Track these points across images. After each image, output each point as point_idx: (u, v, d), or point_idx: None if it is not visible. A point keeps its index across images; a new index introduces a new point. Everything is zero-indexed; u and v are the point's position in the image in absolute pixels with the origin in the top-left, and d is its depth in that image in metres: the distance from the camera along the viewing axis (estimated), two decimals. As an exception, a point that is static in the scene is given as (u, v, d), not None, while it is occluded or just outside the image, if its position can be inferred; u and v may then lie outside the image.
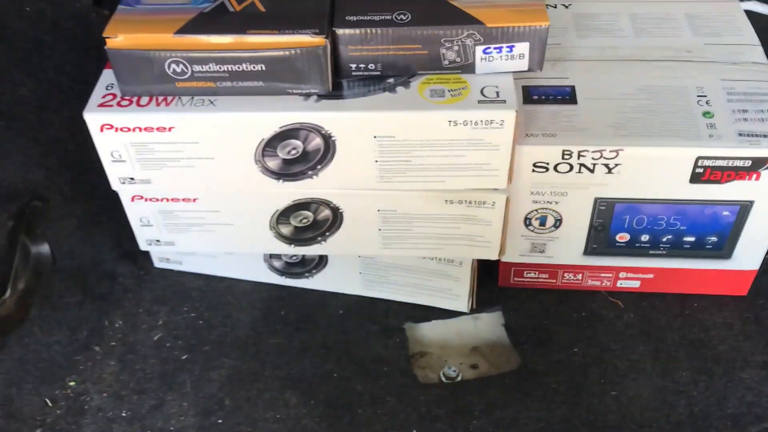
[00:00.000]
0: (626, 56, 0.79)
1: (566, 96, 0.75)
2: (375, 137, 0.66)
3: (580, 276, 0.83)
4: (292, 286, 0.87)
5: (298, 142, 0.67)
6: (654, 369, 0.77)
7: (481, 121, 0.65)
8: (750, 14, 0.86)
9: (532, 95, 0.74)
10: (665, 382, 0.76)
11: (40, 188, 0.72)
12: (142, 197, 0.73)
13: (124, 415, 0.75)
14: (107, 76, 0.69)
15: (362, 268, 0.83)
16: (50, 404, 0.75)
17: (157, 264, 0.89)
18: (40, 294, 0.71)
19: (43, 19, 0.82)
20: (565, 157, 0.71)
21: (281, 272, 0.86)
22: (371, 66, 0.67)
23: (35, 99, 0.75)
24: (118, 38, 0.63)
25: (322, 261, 0.83)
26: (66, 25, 0.84)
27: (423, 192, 0.71)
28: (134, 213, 0.75)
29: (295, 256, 0.83)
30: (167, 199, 0.74)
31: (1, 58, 0.75)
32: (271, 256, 0.84)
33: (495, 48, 0.66)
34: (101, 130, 0.66)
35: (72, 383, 0.77)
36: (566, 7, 0.85)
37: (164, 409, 0.76)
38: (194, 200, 0.74)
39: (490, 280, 0.86)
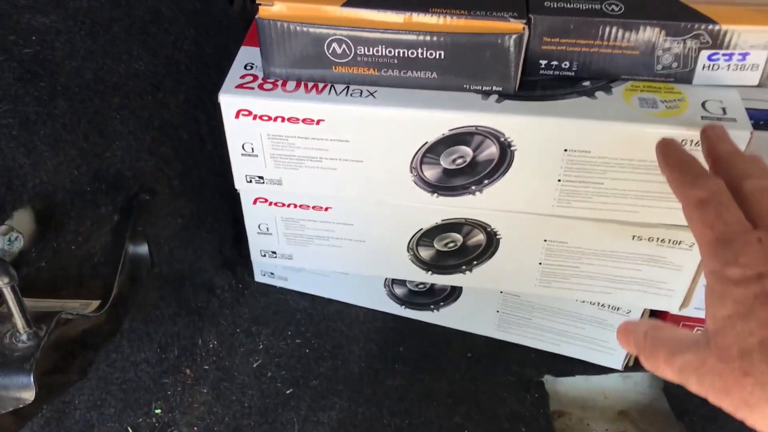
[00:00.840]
0: None
1: (783, 122, 0.62)
2: (565, 150, 0.54)
3: (762, 339, 0.69)
4: (412, 319, 0.75)
5: (467, 150, 0.55)
6: None
7: (705, 141, 0.52)
8: None
9: (758, 121, 0.61)
10: None
11: (148, 179, 0.61)
12: (266, 200, 0.62)
13: (217, 455, 0.63)
14: (245, 53, 0.58)
15: (501, 306, 0.70)
16: (132, 434, 0.64)
17: (258, 278, 0.77)
18: (134, 302, 0.60)
19: (162, -12, 0.72)
20: (786, 195, 0.57)
21: (402, 301, 0.74)
22: (565, 64, 0.55)
23: (150, 76, 0.64)
24: (274, 7, 0.52)
25: (453, 293, 0.71)
26: (186, -1, 0.74)
27: (607, 223, 0.58)
28: (253, 218, 0.64)
29: (422, 284, 0.71)
30: (295, 205, 0.62)
31: (119, 26, 0.64)
32: (393, 281, 0.72)
33: (724, 55, 0.53)
34: (236, 116, 0.55)
35: (158, 411, 0.66)
36: None
37: (265, 453, 0.64)
38: (326, 209, 0.62)
39: (647, 334, 0.72)
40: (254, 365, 0.70)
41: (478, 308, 0.71)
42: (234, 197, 0.65)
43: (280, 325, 0.74)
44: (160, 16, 0.70)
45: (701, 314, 0.68)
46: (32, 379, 0.42)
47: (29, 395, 0.42)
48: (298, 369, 0.70)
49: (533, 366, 0.72)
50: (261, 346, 0.72)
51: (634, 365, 0.71)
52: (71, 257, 0.54)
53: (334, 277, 0.74)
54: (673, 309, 0.63)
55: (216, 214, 0.73)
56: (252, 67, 0.57)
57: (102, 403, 0.62)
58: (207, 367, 0.69)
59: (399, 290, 0.73)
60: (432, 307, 0.73)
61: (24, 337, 0.43)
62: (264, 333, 0.73)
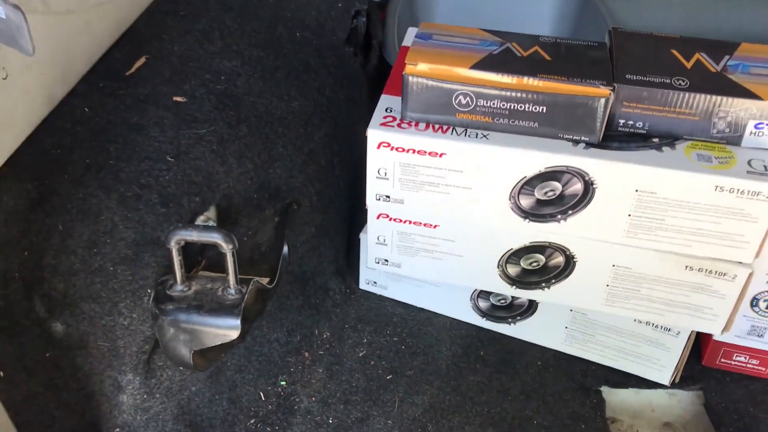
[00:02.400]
0: None
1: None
2: (636, 191, 0.68)
3: (793, 369, 0.81)
4: (491, 330, 0.89)
5: (557, 185, 0.70)
6: None
7: (748, 191, 0.66)
8: None
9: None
10: None
11: (297, 193, 0.77)
12: (387, 216, 0.78)
13: (331, 422, 0.77)
14: (386, 100, 0.74)
15: (570, 323, 0.84)
16: (263, 398, 0.78)
17: (363, 286, 0.92)
18: (275, 292, 0.75)
19: (309, 45, 0.90)
20: (816, 242, 0.71)
21: (484, 314, 0.88)
22: (639, 124, 0.70)
23: (303, 113, 0.81)
24: (418, 66, 0.68)
25: (529, 309, 0.85)
26: (326, 54, 0.91)
27: (665, 254, 0.72)
28: (374, 230, 0.79)
29: (503, 299, 0.85)
30: (410, 222, 0.77)
31: (281, 73, 0.82)
32: (479, 295, 0.86)
33: (768, 124, 0.68)
34: (378, 147, 0.71)
35: (283, 382, 0.80)
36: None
37: (370, 423, 0.78)
38: (435, 227, 0.77)
39: (692, 357, 0.85)
40: (360, 354, 0.85)
41: (549, 324, 0.85)
42: (349, 216, 0.80)
43: (381, 324, 0.88)
44: (309, 67, 0.87)
45: (740, 341, 0.81)
46: (239, 321, 0.57)
47: (235, 333, 0.57)
48: (396, 361, 0.84)
49: (594, 377, 0.85)
50: (365, 340, 0.86)
51: (679, 383, 0.84)
52: (244, 245, 0.70)
53: (427, 289, 0.89)
54: (716, 332, 0.76)
55: (336, 229, 0.89)
56: (391, 111, 0.73)
57: (244, 369, 0.77)
58: (322, 352, 0.84)
59: (483, 303, 0.87)
60: (510, 320, 0.87)
61: (233, 291, 0.59)
62: (367, 330, 0.87)
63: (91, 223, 0.59)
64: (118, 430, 0.62)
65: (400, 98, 0.71)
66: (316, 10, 0.98)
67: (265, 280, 0.66)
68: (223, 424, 0.73)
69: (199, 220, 0.65)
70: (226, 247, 0.56)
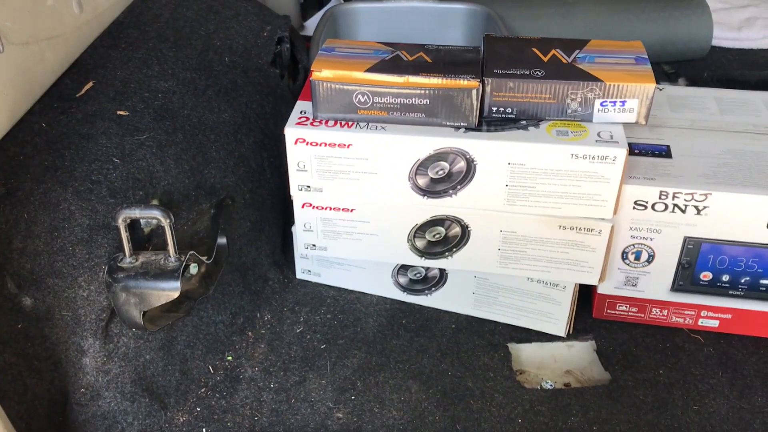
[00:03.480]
0: (713, 127, 0.95)
1: (662, 152, 0.91)
2: (509, 164, 0.83)
3: (666, 312, 0.96)
4: (411, 303, 1.02)
5: (445, 164, 0.84)
6: (731, 392, 0.88)
7: (598, 156, 0.81)
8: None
9: (633, 149, 0.90)
10: (741, 403, 0.87)
11: (231, 190, 0.90)
12: (311, 205, 0.91)
13: (272, 386, 0.89)
14: (300, 105, 0.88)
15: (475, 288, 0.97)
16: (212, 371, 0.90)
17: (299, 275, 1.05)
18: (217, 278, 0.87)
19: (237, 67, 1.04)
20: (662, 197, 0.86)
21: (404, 288, 1.01)
22: (508, 110, 0.85)
23: (232, 123, 0.94)
24: (322, 72, 0.82)
25: (441, 280, 0.98)
26: (252, 74, 1.05)
27: (541, 217, 0.86)
28: (301, 218, 0.92)
29: (418, 273, 0.98)
30: (330, 208, 0.91)
31: (211, 90, 0.95)
32: (398, 272, 0.99)
33: (610, 101, 0.83)
34: (295, 143, 0.85)
35: (229, 357, 0.92)
36: (660, 90, 1.03)
37: (306, 384, 0.89)
38: (351, 210, 0.91)
39: (585, 312, 0.99)
40: (297, 331, 0.97)
41: (459, 291, 0.98)
42: (283, 215, 0.93)
43: (316, 305, 1.01)
44: (237, 85, 1.01)
45: (619, 292, 0.95)
46: (179, 283, 0.69)
47: (175, 293, 0.69)
48: (329, 333, 0.96)
49: (500, 335, 0.98)
50: (302, 319, 0.98)
51: (574, 335, 0.97)
52: (184, 233, 0.82)
53: (354, 272, 1.01)
54: (594, 282, 0.90)
55: (271, 225, 1.02)
56: (305, 113, 0.87)
57: (193, 345, 0.88)
58: (264, 331, 0.96)
59: (402, 279, 1.00)
60: (426, 292, 1.00)
61: (173, 260, 0.71)
62: (304, 311, 1.00)
63: (52, 212, 0.71)
64: (83, 390, 0.73)
65: (311, 102, 0.85)
66: (243, 38, 1.12)
67: (203, 258, 0.78)
68: (177, 392, 0.85)
69: (144, 211, 0.77)
70: (165, 222, 0.68)
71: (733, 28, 1.69)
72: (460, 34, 1.51)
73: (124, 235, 0.69)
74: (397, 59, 0.86)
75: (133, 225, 0.77)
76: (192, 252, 0.73)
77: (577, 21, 1.55)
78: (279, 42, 1.17)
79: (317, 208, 0.91)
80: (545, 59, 0.86)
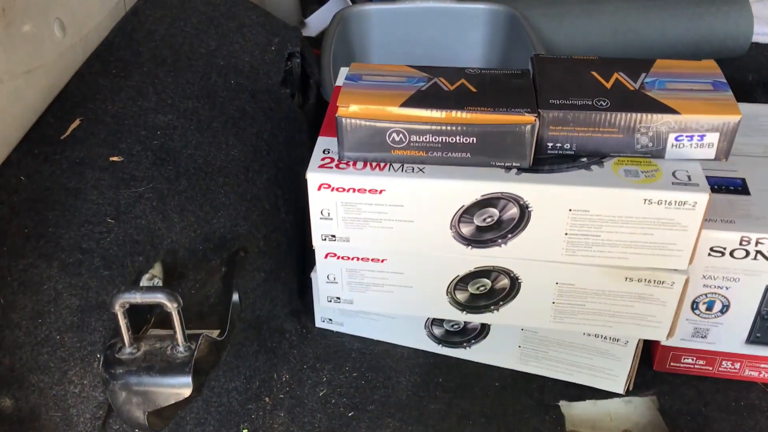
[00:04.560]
0: (791, 155, 0.83)
1: (738, 187, 0.79)
2: (570, 210, 0.71)
3: (738, 365, 0.84)
4: (448, 356, 0.90)
5: (494, 211, 0.72)
6: (823, 463, 0.77)
7: (675, 201, 0.69)
8: None
9: (713, 185, 0.78)
10: (836, 477, 0.76)
11: (243, 240, 0.78)
12: (335, 255, 0.79)
13: (295, 464, 0.78)
14: (322, 142, 0.76)
15: (522, 341, 0.86)
16: (226, 448, 0.78)
17: (319, 324, 0.93)
18: (229, 341, 0.76)
19: (244, 91, 0.91)
20: (743, 243, 0.74)
21: (440, 340, 0.89)
22: (567, 146, 0.73)
23: (242, 160, 0.82)
24: (350, 108, 0.70)
25: (482, 332, 0.87)
26: (262, 98, 0.93)
27: (605, 268, 0.75)
28: (324, 269, 0.80)
29: (456, 324, 0.87)
30: (358, 258, 0.79)
31: (217, 122, 0.83)
32: (432, 323, 0.88)
33: (687, 136, 0.71)
34: (318, 189, 0.73)
35: (245, 431, 0.80)
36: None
37: (335, 461, 0.78)
38: (382, 261, 0.79)
39: (644, 365, 0.87)
40: (320, 394, 0.85)
41: (503, 344, 0.87)
42: (300, 256, 0.81)
43: (339, 361, 0.89)
44: (245, 113, 0.88)
45: (686, 344, 0.84)
46: (190, 378, 0.57)
47: (187, 391, 0.58)
48: (357, 396, 0.85)
49: (551, 392, 0.86)
50: (324, 379, 0.87)
51: (633, 390, 0.86)
52: (193, 299, 0.70)
53: (382, 322, 0.90)
54: (662, 338, 0.79)
55: (287, 270, 0.90)
56: (329, 152, 0.74)
57: (204, 422, 0.77)
58: (282, 396, 0.84)
59: (437, 330, 0.88)
60: (464, 344, 0.88)
61: (182, 349, 0.59)
62: (326, 368, 0.88)
63: (34, 294, 0.59)
64: (78, 499, 0.61)
65: (336, 139, 0.73)
66: (250, 55, 0.99)
67: (215, 333, 0.66)
68: (188, 479, 0.73)
69: (144, 279, 0.65)
70: (171, 306, 0.56)
71: (772, 23, 1.57)
72: (480, 36, 1.38)
73: (123, 323, 0.57)
74: (436, 89, 0.73)
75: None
76: (203, 334, 0.61)
77: (606, 19, 1.43)
78: (289, 57, 1.04)
79: (343, 258, 0.79)
80: (608, 85, 0.74)
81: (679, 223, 0.70)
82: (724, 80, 0.74)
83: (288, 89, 1.02)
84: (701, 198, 0.69)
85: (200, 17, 1.01)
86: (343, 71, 0.87)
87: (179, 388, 0.58)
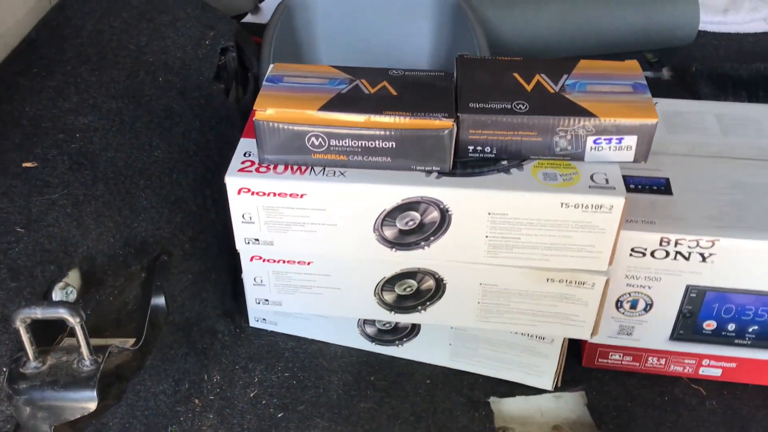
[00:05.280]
0: (716, 153, 0.84)
1: (661, 187, 0.80)
2: (489, 214, 0.71)
3: (663, 361, 0.86)
4: (381, 354, 0.90)
5: (416, 214, 0.72)
6: (740, 456, 0.79)
7: (592, 205, 0.69)
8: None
9: (629, 184, 0.79)
10: (752, 470, 0.78)
11: (166, 244, 0.77)
12: (261, 258, 0.78)
13: (222, 467, 0.78)
14: (244, 144, 0.75)
15: (452, 339, 0.86)
16: (153, 452, 0.78)
17: (253, 324, 0.93)
18: (154, 344, 0.75)
19: (172, 89, 0.90)
20: (663, 244, 0.75)
21: (372, 339, 0.89)
22: (487, 149, 0.73)
23: (167, 161, 0.81)
24: (267, 111, 0.69)
25: (413, 330, 0.87)
26: (191, 95, 0.91)
27: (526, 269, 0.75)
28: (250, 272, 0.80)
29: (387, 323, 0.87)
30: (284, 261, 0.78)
31: (141, 122, 0.81)
32: (365, 322, 0.88)
33: (605, 139, 0.71)
34: (238, 193, 0.72)
35: (172, 432, 0.80)
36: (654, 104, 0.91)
37: (262, 463, 0.78)
38: (309, 263, 0.78)
39: (574, 360, 0.88)
40: (251, 395, 0.85)
41: (434, 342, 0.87)
42: (232, 256, 0.80)
43: (272, 361, 0.89)
44: (172, 112, 0.87)
45: (613, 341, 0.85)
46: (95, 392, 0.57)
47: (92, 405, 0.57)
48: (287, 397, 0.85)
49: (481, 389, 0.87)
50: (256, 379, 0.87)
51: (562, 386, 0.87)
52: (110, 306, 0.69)
53: (315, 321, 0.90)
54: (585, 337, 0.80)
55: (218, 271, 0.89)
56: (249, 155, 0.74)
57: (129, 427, 0.76)
58: (212, 397, 0.84)
59: (369, 329, 0.88)
60: (397, 342, 0.89)
61: (87, 362, 0.58)
62: (258, 368, 0.88)
63: (-66, 308, 0.58)
64: None
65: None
66: (182, 51, 0.98)
67: (130, 342, 0.66)
68: (111, 485, 0.73)
69: (57, 289, 0.64)
70: (73, 321, 0.56)
71: (719, 11, 1.59)
72: (427, 27, 1.38)
73: (26, 337, 0.57)
74: (357, 92, 0.73)
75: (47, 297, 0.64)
76: (112, 347, 0.61)
77: (554, 9, 1.43)
78: (223, 52, 1.02)
79: (269, 261, 0.79)
80: (528, 88, 0.74)
81: (596, 226, 0.71)
82: (644, 82, 0.74)
83: (222, 84, 1.01)
84: (617, 201, 0.69)
85: (131, 12, 0.99)
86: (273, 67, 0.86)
87: (84, 402, 0.57)
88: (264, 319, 0.92)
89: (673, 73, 1.45)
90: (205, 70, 0.97)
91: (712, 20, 1.57)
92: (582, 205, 0.70)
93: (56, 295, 0.65)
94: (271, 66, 0.78)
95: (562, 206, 0.70)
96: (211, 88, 0.96)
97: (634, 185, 0.80)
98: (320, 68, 0.77)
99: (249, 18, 1.70)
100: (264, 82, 0.74)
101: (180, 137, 0.85)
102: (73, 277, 0.68)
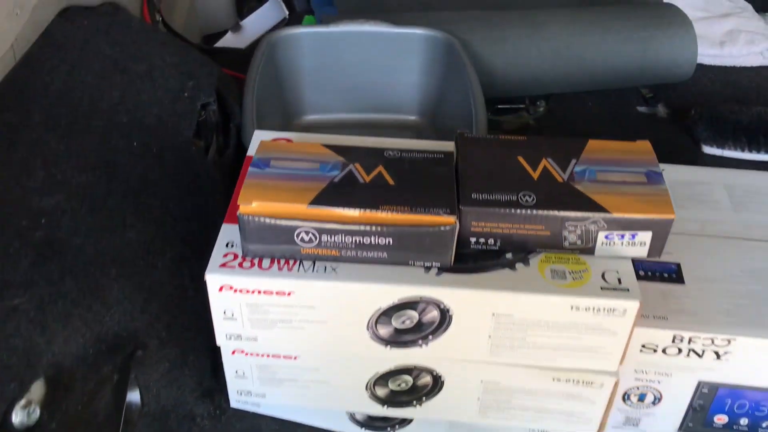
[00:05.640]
0: (728, 233, 0.80)
1: (672, 274, 0.75)
2: (493, 314, 0.66)
3: (670, 451, 0.81)
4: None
5: (414, 313, 0.67)
6: None
7: (604, 308, 0.64)
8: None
9: (638, 270, 0.74)
10: None
11: (141, 335, 0.71)
12: (243, 351, 0.72)
13: None
14: (226, 232, 0.69)
15: (449, 428, 0.81)
16: None
17: (234, 404, 0.87)
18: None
19: (148, 153, 0.83)
20: (676, 341, 0.70)
21: (362, 425, 0.84)
22: (491, 241, 0.67)
23: (142, 242, 0.75)
24: (252, 205, 0.63)
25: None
26: (168, 160, 0.85)
27: (531, 368, 0.70)
28: (231, 365, 0.74)
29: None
30: (268, 355, 0.73)
31: (114, 198, 0.75)
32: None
33: (617, 234, 0.66)
34: (220, 290, 0.66)
35: None
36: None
37: None
38: (295, 358, 0.73)
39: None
40: (230, 493, 0.79)
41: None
42: (211, 333, 0.74)
43: (254, 449, 0.83)
44: (148, 183, 0.81)
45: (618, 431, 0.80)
46: None
47: None
48: (270, 491, 0.79)
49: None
50: (238, 470, 0.81)
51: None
52: (78, 418, 0.63)
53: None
54: (591, 433, 0.75)
55: (197, 352, 0.83)
56: (232, 246, 0.68)
57: None
58: (191, 492, 0.78)
59: (359, 415, 0.82)
60: (389, 429, 0.83)
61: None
62: (240, 457, 0.82)
63: None
64: None
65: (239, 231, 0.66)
66: (158, 106, 0.91)
67: (100, 464, 0.60)
68: None
69: (18, 408, 0.58)
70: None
71: (715, 44, 1.55)
72: (417, 63, 1.32)
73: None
74: (351, 180, 0.67)
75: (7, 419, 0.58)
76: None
77: (548, 44, 1.37)
78: (203, 107, 0.96)
79: (251, 354, 0.73)
80: (535, 175, 0.68)
81: (608, 329, 0.66)
82: (659, 170, 0.69)
83: (202, 141, 0.94)
84: (631, 305, 0.64)
85: (104, 62, 0.92)
86: (258, 136, 0.80)
87: None
88: (249, 392, 0.85)
89: (669, 110, 1.41)
90: (183, 128, 0.90)
91: (708, 53, 1.53)
92: (593, 308, 0.65)
93: (17, 416, 0.58)
94: (257, 140, 0.72)
95: (571, 308, 0.65)
96: (189, 149, 0.90)
97: (644, 272, 0.75)
98: (311, 147, 0.71)
99: (229, 37, 1.64)
100: (249, 169, 0.67)
101: (156, 210, 0.79)
102: (37, 389, 0.61)
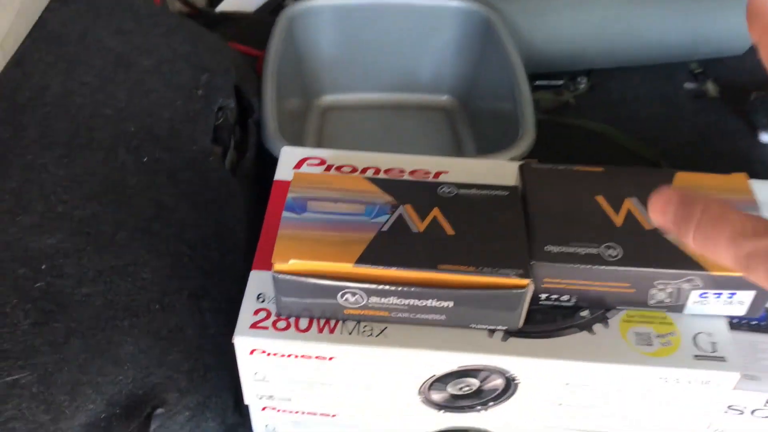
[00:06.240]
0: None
1: (761, 322, 0.66)
2: (567, 384, 0.57)
3: (742, 503, 0.74)
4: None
5: (474, 381, 0.58)
6: None
7: (697, 380, 0.55)
8: None
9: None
10: None
11: (159, 390, 0.63)
12: (275, 408, 0.64)
13: None
14: (255, 281, 0.60)
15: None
16: None
17: (260, 441, 0.79)
18: None
19: (160, 170, 0.73)
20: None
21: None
22: (564, 297, 0.58)
23: (157, 283, 0.65)
24: (289, 263, 0.54)
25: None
26: (183, 177, 0.75)
27: (603, 434, 0.62)
28: (261, 421, 0.66)
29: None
30: (303, 412, 0.64)
31: (124, 232, 0.65)
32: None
33: (714, 293, 0.57)
34: (251, 354, 0.57)
35: None
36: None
37: None
38: (333, 416, 0.64)
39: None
40: None
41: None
42: (234, 369, 0.65)
43: (284, 496, 0.75)
44: (162, 208, 0.71)
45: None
46: None
47: None
48: None
49: None
50: None
51: None
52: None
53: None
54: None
55: (219, 393, 0.75)
56: (264, 300, 0.58)
57: None
58: None
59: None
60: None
61: None
62: (269, 506, 0.75)
63: None
64: None
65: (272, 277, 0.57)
66: (170, 108, 0.80)
67: None
68: None
69: (21, 506, 0.50)
70: None
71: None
72: (451, 38, 1.20)
73: None
74: (402, 229, 0.57)
75: None
76: None
77: (593, 16, 1.25)
78: (220, 109, 0.85)
79: (284, 411, 0.64)
80: (617, 220, 0.58)
81: (699, 401, 0.57)
82: (758, 209, 0.59)
83: (220, 147, 0.84)
84: (729, 377, 0.55)
85: (106, 57, 0.81)
86: (287, 153, 0.70)
87: None
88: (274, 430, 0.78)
89: (719, 88, 1.29)
90: (198, 136, 0.80)
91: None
92: (684, 380, 0.56)
93: None
94: (286, 161, 0.62)
95: (659, 380, 0.56)
96: (206, 160, 0.79)
97: (730, 319, 0.65)
98: (352, 181, 0.61)
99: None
100: (284, 213, 0.57)
101: (172, 241, 0.69)
102: (43, 474, 0.53)
